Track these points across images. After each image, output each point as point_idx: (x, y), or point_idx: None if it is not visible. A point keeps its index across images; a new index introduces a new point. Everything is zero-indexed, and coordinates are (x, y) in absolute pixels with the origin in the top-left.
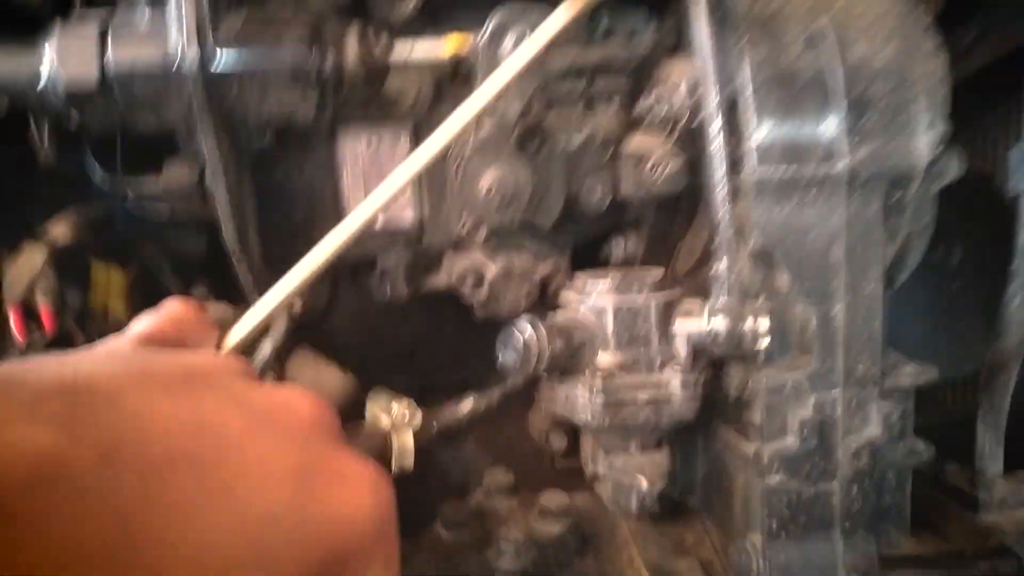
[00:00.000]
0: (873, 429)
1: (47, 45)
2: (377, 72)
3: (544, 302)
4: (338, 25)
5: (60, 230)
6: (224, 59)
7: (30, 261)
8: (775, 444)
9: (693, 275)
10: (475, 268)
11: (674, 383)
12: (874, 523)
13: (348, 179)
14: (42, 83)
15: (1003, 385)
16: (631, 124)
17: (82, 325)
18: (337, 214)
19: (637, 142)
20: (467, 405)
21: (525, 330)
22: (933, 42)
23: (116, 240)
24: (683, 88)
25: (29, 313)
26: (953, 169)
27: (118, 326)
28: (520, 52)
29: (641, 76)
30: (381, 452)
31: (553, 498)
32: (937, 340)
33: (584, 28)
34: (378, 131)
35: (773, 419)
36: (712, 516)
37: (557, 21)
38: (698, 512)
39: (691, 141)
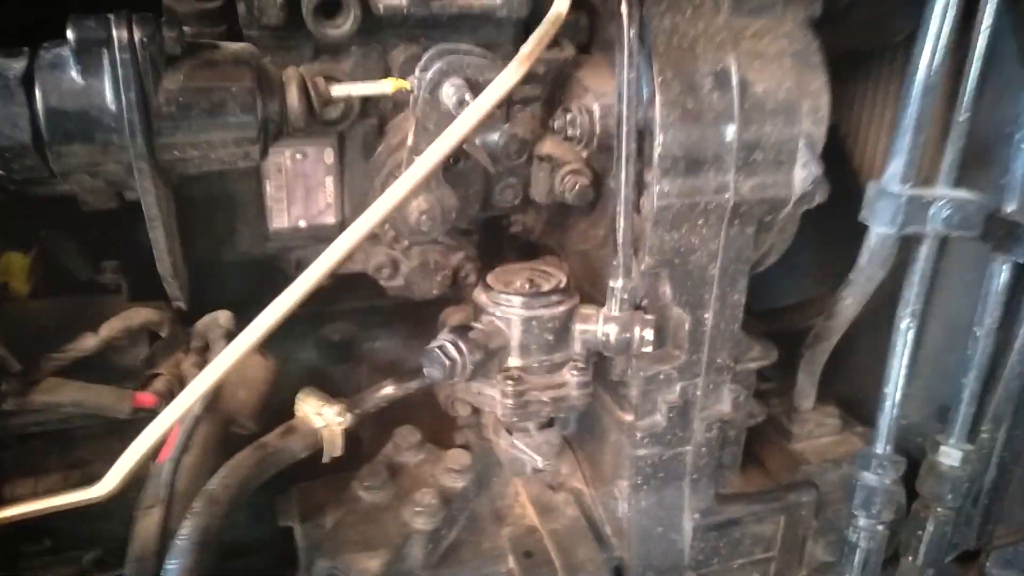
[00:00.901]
0: (724, 406)
1: None
2: (316, 115)
3: (455, 286)
4: (278, 72)
5: None
6: (167, 123)
7: None
8: (646, 421)
9: (597, 254)
10: (391, 261)
11: (572, 382)
12: (715, 471)
13: (271, 191)
14: None
15: (822, 351)
16: (546, 131)
17: None
18: (260, 224)
19: (550, 147)
20: (387, 392)
21: (449, 348)
22: (821, 79)
23: (18, 226)
24: (597, 109)
25: None
26: (821, 196)
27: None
28: (471, 110)
29: (559, 83)
30: (313, 444)
31: (458, 457)
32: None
33: None
34: (303, 147)
35: (646, 400)
36: (583, 452)
37: (507, 79)
38: (571, 444)
39: (600, 157)
